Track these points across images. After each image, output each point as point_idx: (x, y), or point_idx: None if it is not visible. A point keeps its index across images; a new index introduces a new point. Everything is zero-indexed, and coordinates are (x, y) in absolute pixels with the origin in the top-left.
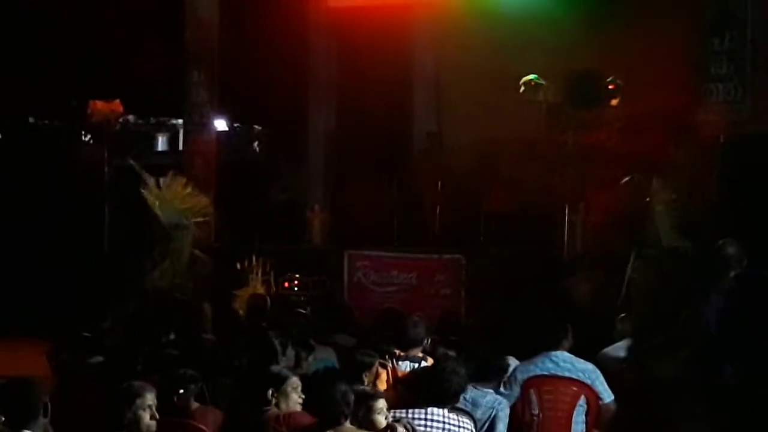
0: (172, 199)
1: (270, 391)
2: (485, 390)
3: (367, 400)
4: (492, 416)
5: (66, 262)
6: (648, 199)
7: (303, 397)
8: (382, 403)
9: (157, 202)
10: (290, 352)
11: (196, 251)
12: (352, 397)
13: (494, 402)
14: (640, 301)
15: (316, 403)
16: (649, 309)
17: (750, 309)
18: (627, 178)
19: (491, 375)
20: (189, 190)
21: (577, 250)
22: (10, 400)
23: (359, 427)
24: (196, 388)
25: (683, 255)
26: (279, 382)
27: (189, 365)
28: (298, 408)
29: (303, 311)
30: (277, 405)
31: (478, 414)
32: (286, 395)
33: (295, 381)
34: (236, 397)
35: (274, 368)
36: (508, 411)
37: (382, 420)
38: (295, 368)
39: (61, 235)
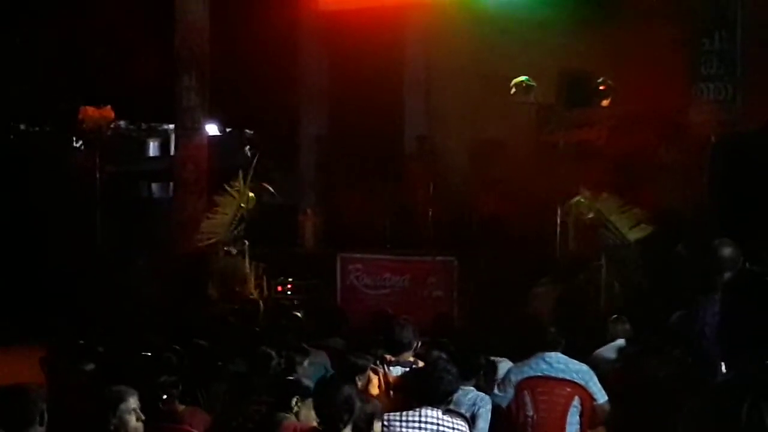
0: None
1: (295, 399)
2: (466, 388)
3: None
4: (473, 413)
5: (58, 268)
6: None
7: None
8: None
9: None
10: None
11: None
12: (356, 404)
13: (476, 399)
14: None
15: (319, 407)
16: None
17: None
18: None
19: (468, 373)
20: None
21: (570, 251)
22: (7, 408)
23: None
24: (177, 392)
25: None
26: (307, 395)
27: (182, 371)
28: (314, 424)
29: (297, 315)
30: (297, 414)
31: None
32: (309, 407)
33: None
34: (232, 401)
35: (306, 380)
36: (489, 407)
37: None
38: (290, 373)
39: (53, 241)
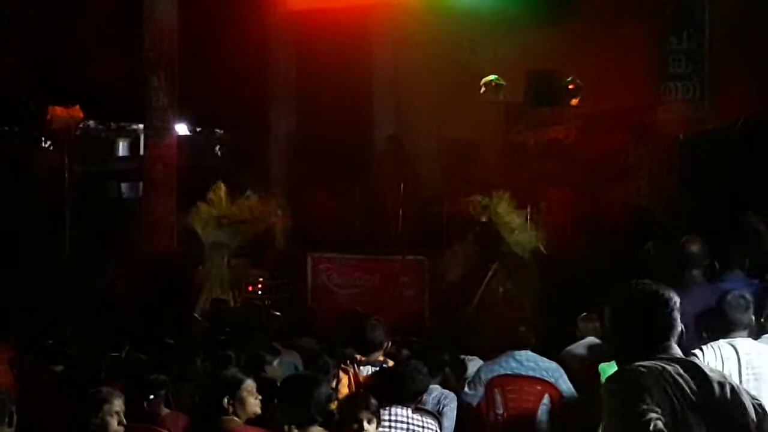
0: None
1: (225, 399)
2: (431, 386)
3: (357, 408)
4: (439, 411)
5: (26, 269)
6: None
7: (260, 397)
8: (366, 415)
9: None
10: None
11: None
12: (326, 401)
13: (441, 397)
14: None
15: (291, 404)
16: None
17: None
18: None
19: (432, 370)
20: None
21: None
22: None
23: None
24: (165, 394)
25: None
26: (233, 388)
27: (152, 371)
28: (258, 410)
29: (278, 314)
30: (235, 412)
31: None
32: (242, 401)
33: (249, 384)
34: (197, 403)
35: (228, 373)
36: (454, 405)
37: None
38: (261, 372)
39: (21, 242)
